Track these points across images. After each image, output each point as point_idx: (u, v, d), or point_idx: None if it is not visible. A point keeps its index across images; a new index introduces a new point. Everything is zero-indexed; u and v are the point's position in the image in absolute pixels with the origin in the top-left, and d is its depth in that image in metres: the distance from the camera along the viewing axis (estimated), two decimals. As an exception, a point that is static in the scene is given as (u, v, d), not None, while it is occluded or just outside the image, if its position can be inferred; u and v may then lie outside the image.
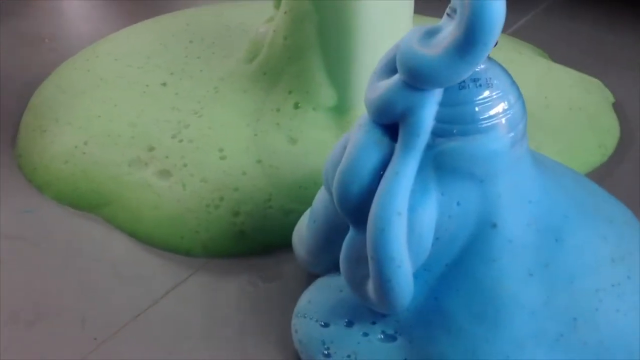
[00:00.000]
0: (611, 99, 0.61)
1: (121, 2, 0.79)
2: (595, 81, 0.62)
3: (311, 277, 0.41)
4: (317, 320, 0.37)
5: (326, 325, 0.36)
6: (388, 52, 0.33)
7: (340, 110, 0.50)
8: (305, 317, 0.37)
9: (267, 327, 0.40)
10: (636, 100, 0.61)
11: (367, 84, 0.34)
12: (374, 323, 0.35)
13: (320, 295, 0.38)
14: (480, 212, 0.31)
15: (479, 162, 0.31)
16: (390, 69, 0.33)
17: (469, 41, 0.27)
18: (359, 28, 0.48)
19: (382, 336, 0.35)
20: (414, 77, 0.29)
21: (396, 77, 0.31)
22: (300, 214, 0.43)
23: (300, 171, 0.48)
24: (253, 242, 0.45)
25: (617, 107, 0.59)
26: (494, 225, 0.31)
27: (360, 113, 0.47)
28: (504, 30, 0.28)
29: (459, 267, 0.32)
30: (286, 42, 0.50)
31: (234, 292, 0.42)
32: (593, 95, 0.59)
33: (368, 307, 0.35)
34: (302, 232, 0.41)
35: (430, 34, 0.30)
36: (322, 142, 0.49)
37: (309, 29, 0.49)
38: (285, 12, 0.50)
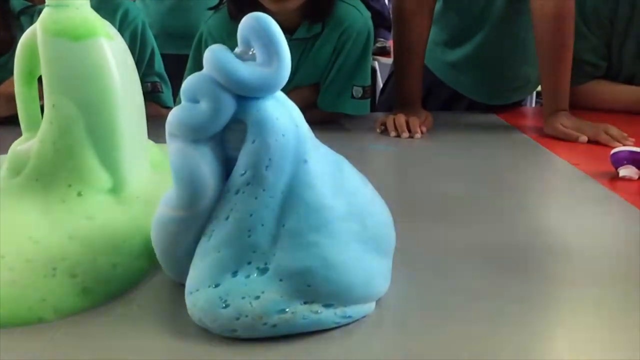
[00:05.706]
0: None
1: None
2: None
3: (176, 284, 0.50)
4: (209, 286, 0.46)
5: (217, 285, 0.46)
6: (192, 83, 0.47)
7: (116, 190, 0.61)
8: (198, 290, 0.46)
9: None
10: None
11: (179, 111, 0.48)
12: (249, 263, 0.46)
13: (201, 266, 0.47)
14: (295, 150, 0.47)
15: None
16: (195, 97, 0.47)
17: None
18: (119, 121, 0.60)
19: (258, 271, 0.46)
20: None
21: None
22: (121, 265, 0.54)
23: (104, 237, 0.56)
24: (98, 295, 0.51)
25: None
26: (305, 161, 0.47)
27: (131, 191, 0.60)
28: None
29: (291, 194, 0.47)
30: (56, 146, 0.59)
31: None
32: None
33: (242, 254, 0.46)
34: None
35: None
36: (112, 217, 0.58)
37: (78, 131, 0.59)
38: (50, 123, 0.59)
